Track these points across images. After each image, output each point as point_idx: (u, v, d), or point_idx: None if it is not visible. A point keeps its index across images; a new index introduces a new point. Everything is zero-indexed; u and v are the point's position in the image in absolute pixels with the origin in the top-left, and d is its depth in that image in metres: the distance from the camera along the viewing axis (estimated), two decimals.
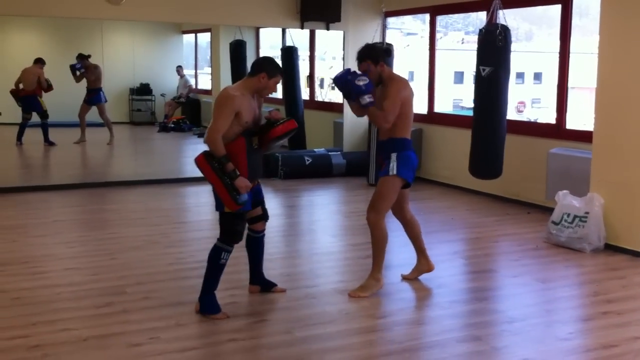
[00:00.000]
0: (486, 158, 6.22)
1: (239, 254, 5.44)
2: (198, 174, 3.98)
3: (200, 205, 7.55)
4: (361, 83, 4.16)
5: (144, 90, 15.73)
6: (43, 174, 9.58)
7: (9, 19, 13.54)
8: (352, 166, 8.91)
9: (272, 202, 8.07)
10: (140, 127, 15.26)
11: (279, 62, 4.73)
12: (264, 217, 4.27)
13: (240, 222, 3.98)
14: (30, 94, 11.30)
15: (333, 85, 4.58)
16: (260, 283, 4.40)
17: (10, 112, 12.08)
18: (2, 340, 3.59)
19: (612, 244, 5.47)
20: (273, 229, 6.37)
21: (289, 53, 10.08)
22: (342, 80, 4.27)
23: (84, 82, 11.70)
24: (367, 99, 4.17)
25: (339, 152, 9.14)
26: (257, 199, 4.16)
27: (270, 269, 4.78)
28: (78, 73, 11.48)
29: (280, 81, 4.02)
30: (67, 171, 9.52)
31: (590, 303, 4.44)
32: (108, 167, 10.17)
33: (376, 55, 4.23)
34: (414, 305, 4.23)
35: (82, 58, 11.58)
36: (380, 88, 4.31)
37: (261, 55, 12.76)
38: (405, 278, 4.70)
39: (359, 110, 4.35)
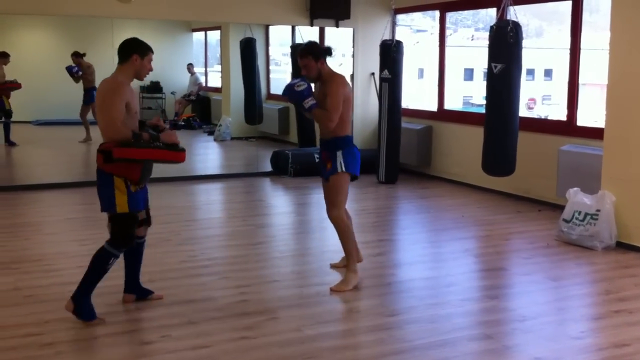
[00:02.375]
0: (499, 155, 6.19)
1: (249, 251, 5.46)
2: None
3: (211, 202, 7.57)
4: (301, 88, 4.34)
5: (154, 88, 15.78)
6: (53, 171, 9.62)
7: (19, 17, 13.59)
8: (362, 164, 8.81)
9: (282, 200, 8.09)
10: None
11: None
12: (147, 221, 4.16)
13: (133, 225, 3.84)
14: None
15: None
16: (135, 291, 4.18)
17: (20, 111, 12.12)
18: (16, 338, 3.61)
19: (623, 242, 5.44)
20: (283, 226, 6.39)
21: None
22: (289, 90, 4.41)
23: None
24: (309, 102, 4.34)
25: None
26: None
27: (281, 267, 4.79)
28: (76, 75, 11.45)
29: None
30: (77, 169, 9.56)
31: (602, 301, 4.42)
32: None
33: (318, 53, 4.38)
34: (424, 303, 4.21)
35: (78, 56, 11.54)
36: (318, 85, 4.47)
37: (270, 52, 12.79)
38: (333, 266, 4.78)
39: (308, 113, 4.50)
